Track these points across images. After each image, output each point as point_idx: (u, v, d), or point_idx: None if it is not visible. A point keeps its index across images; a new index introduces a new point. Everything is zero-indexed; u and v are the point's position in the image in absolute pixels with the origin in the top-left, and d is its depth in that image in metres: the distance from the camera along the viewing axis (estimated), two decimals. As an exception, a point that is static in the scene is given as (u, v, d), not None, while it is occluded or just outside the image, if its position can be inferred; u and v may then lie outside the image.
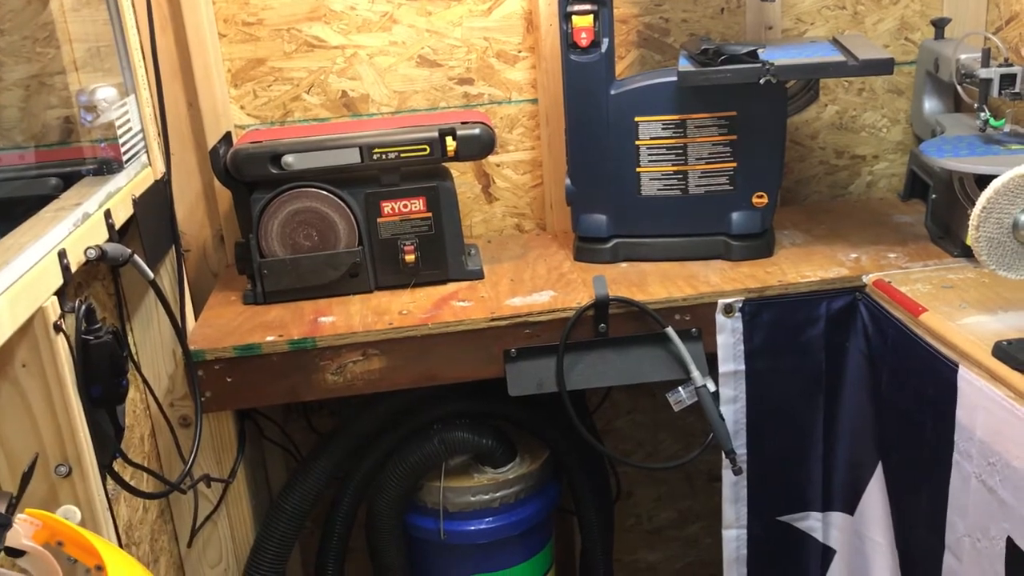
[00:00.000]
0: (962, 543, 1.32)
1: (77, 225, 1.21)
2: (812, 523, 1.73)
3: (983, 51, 1.59)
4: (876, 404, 1.56)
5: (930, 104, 1.91)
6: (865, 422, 1.59)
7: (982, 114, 1.61)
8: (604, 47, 1.67)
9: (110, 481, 1.23)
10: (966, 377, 1.29)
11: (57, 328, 1.08)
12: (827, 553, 1.73)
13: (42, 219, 1.21)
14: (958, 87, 1.70)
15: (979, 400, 1.26)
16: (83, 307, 1.17)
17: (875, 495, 1.58)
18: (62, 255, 1.13)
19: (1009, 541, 1.21)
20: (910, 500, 1.48)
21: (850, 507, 1.66)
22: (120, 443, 1.23)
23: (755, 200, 1.71)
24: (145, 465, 1.42)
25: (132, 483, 1.32)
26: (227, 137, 1.76)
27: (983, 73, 1.57)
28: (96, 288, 1.41)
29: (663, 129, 1.69)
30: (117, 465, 1.26)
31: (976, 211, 1.29)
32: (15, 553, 0.95)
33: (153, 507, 1.54)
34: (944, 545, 1.36)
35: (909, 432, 1.45)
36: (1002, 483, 1.21)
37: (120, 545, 1.22)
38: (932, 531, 1.39)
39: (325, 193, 1.65)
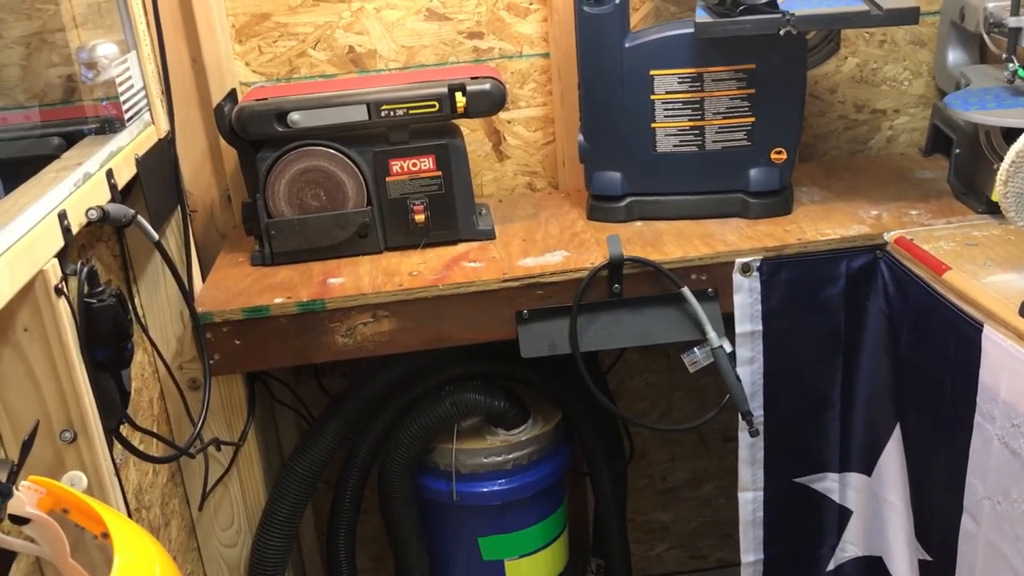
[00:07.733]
0: (981, 505, 1.30)
1: (78, 185, 1.18)
2: (829, 484, 1.71)
3: (1012, -1, 1.54)
4: (896, 364, 1.53)
5: (954, 56, 1.86)
6: (884, 383, 1.57)
7: (1011, 65, 1.55)
8: (618, -2, 1.62)
9: (118, 446, 1.22)
10: (991, 337, 1.25)
11: (59, 291, 1.06)
12: (844, 514, 1.72)
13: (42, 180, 1.18)
14: (985, 37, 1.64)
15: (1005, 361, 1.23)
16: (85, 270, 1.15)
17: (892, 456, 1.56)
18: (62, 216, 1.10)
19: (1033, 504, 1.19)
20: (928, 461, 1.46)
21: (867, 468, 1.64)
22: (126, 408, 1.22)
23: (773, 156, 1.67)
24: (154, 429, 1.42)
25: (141, 447, 1.31)
26: (232, 94, 1.72)
27: (1012, 22, 1.52)
28: (101, 250, 1.39)
29: (679, 83, 1.65)
30: (125, 430, 1.25)
31: (1005, 165, 1.25)
32: (20, 521, 0.94)
33: (163, 471, 1.53)
34: (962, 507, 1.34)
35: (929, 393, 1.43)
36: (1027, 446, 1.19)
37: (129, 509, 1.21)
38: (950, 493, 1.37)
39: (333, 152, 1.62)
